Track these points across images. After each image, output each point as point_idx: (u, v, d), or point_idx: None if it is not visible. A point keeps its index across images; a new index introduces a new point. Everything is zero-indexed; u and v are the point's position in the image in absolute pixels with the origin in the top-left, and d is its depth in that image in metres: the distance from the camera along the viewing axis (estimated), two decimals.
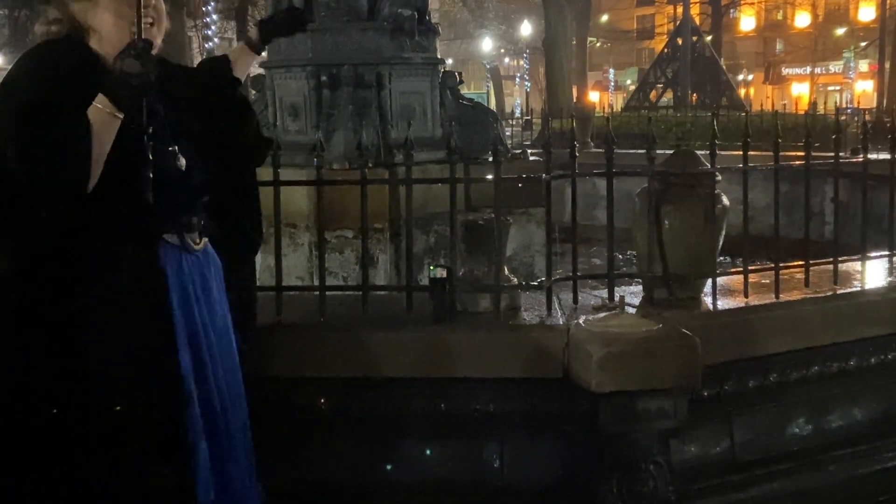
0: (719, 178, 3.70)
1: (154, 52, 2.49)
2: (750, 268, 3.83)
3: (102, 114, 2.37)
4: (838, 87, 44.65)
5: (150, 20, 2.51)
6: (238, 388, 2.73)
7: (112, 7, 2.52)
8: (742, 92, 36.69)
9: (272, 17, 3.25)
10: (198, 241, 2.64)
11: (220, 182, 2.71)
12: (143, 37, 2.43)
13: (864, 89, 39.62)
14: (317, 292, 3.59)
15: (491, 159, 3.65)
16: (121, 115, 2.39)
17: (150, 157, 2.47)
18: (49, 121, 2.34)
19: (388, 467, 3.39)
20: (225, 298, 2.75)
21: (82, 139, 2.34)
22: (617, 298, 3.56)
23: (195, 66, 3.17)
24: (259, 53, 3.10)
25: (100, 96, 2.38)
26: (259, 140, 3.03)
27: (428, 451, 3.41)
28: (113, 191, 2.41)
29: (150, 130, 2.49)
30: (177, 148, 2.58)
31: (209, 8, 28.59)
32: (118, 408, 2.40)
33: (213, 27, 28.90)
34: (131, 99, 2.39)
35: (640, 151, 3.99)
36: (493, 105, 33.27)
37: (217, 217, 2.72)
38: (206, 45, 29.18)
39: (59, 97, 2.38)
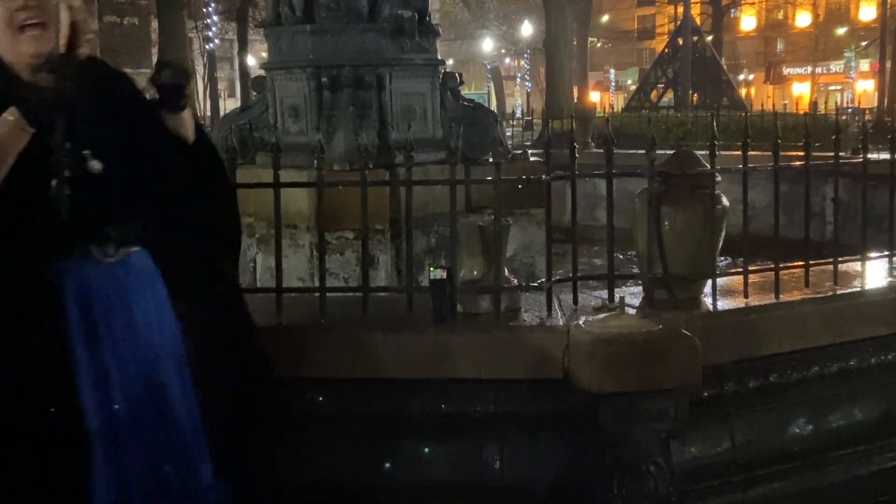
0: (719, 178, 3.71)
1: (85, 52, 2.46)
2: (750, 268, 3.84)
3: (10, 126, 2.35)
4: (839, 87, 44.65)
5: (34, 20, 2.43)
6: (167, 392, 2.67)
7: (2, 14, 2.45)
8: (743, 92, 36.70)
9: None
10: (111, 252, 2.59)
11: (155, 188, 2.66)
12: (59, 50, 2.40)
13: (865, 89, 39.61)
14: (317, 293, 3.60)
15: (491, 160, 3.66)
16: (31, 131, 2.37)
17: (64, 175, 2.44)
18: None
19: (389, 468, 3.40)
20: (162, 306, 2.69)
21: None
22: (617, 299, 3.56)
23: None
24: None
25: (12, 108, 2.36)
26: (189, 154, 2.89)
27: (428, 452, 3.41)
28: (14, 203, 2.38)
29: (67, 146, 2.46)
30: (88, 158, 2.52)
31: (210, 9, 28.60)
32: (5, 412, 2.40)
33: (213, 28, 28.91)
34: (43, 114, 2.36)
35: (640, 152, 3.99)
36: (493, 106, 33.31)
37: (157, 225, 2.68)
38: (207, 46, 29.20)
39: None
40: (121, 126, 2.62)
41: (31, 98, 2.37)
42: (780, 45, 51.03)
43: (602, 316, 3.34)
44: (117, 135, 2.59)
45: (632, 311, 3.48)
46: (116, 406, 2.56)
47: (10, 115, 2.36)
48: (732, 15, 44.72)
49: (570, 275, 3.73)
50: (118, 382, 2.57)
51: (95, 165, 2.53)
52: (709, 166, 3.71)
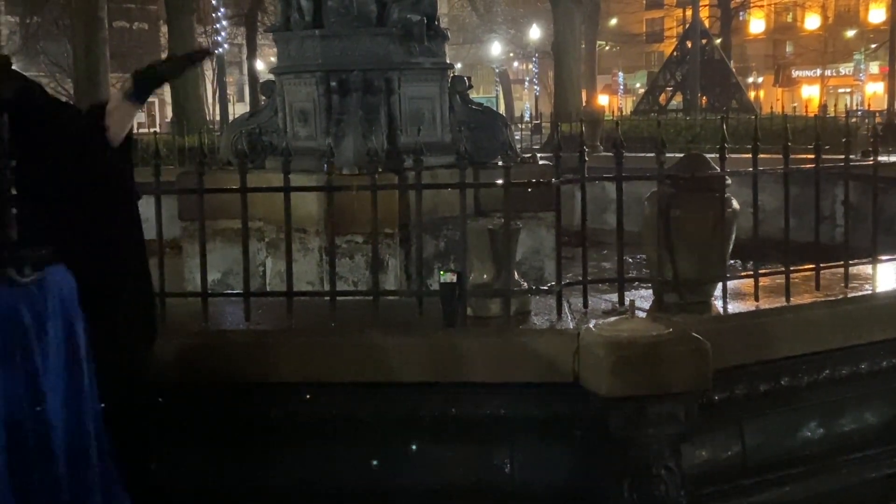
0: (729, 181, 3.70)
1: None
2: (760, 271, 3.83)
3: None
4: (849, 90, 44.52)
5: None
6: (79, 414, 2.67)
7: None
8: (752, 95, 36.62)
9: (149, 66, 3.02)
10: (28, 273, 2.57)
11: (76, 210, 2.67)
12: None
13: (875, 91, 39.50)
14: (327, 297, 3.60)
15: (500, 164, 3.66)
16: None
17: (12, 190, 2.45)
18: None
19: (399, 472, 3.40)
20: (76, 325, 2.67)
21: None
22: (627, 302, 3.56)
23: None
24: (136, 103, 2.91)
25: None
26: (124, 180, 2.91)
27: (439, 456, 3.41)
28: None
29: (11, 163, 2.46)
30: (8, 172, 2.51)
31: (219, 14, 28.68)
32: None
33: (222, 33, 28.98)
34: None
35: (649, 155, 3.99)
36: (502, 109, 33.30)
37: (74, 240, 2.68)
38: (216, 51, 29.25)
39: None
40: (38, 140, 2.60)
41: None
42: (789, 48, 50.90)
43: (612, 319, 3.34)
44: (34, 151, 2.58)
45: (642, 315, 3.48)
46: (25, 423, 2.55)
47: None
48: (741, 18, 44.65)
49: (580, 278, 3.73)
50: (28, 402, 2.56)
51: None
52: (718, 169, 3.71)
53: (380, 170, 4.06)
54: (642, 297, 3.79)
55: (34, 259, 2.58)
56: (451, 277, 3.40)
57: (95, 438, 2.70)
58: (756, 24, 51.39)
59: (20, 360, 2.55)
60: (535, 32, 38.61)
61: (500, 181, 3.58)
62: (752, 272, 3.84)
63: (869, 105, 26.54)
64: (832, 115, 12.84)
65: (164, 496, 2.91)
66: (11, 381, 2.53)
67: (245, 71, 34.76)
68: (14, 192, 2.53)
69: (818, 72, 46.92)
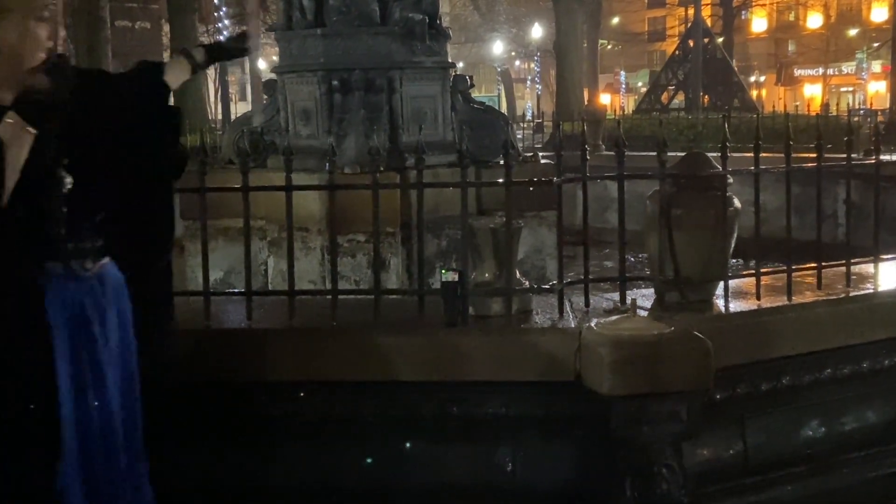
0: (731, 180, 3.70)
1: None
2: (762, 270, 3.83)
3: (14, 129, 2.36)
4: (851, 89, 44.47)
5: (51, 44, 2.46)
6: (131, 405, 2.73)
7: (17, 29, 2.45)
8: (754, 93, 36.58)
9: (220, 44, 3.23)
10: (90, 265, 2.62)
11: (127, 193, 2.69)
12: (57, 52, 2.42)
13: (877, 90, 39.45)
14: (329, 296, 3.61)
15: (502, 163, 3.66)
16: (33, 131, 2.38)
17: (62, 190, 2.50)
18: None
19: (400, 471, 3.40)
20: (126, 317, 2.72)
21: None
22: (629, 301, 3.56)
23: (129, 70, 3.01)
24: (195, 73, 3.01)
25: (11, 112, 2.37)
26: (175, 149, 2.94)
27: (440, 455, 3.41)
28: (7, 212, 2.40)
29: (65, 161, 2.49)
30: (63, 170, 2.54)
31: (221, 13, 28.69)
32: None
33: (225, 32, 28.98)
34: (36, 117, 2.37)
35: (651, 154, 3.99)
36: (504, 108, 33.30)
37: (122, 229, 2.70)
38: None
39: None
40: (90, 129, 2.62)
41: (26, 101, 2.37)
42: (791, 47, 50.86)
43: (614, 318, 3.34)
44: (88, 142, 2.60)
45: (643, 314, 3.48)
46: (91, 413, 2.60)
47: (10, 118, 2.36)
48: (743, 16, 44.60)
49: (582, 277, 3.73)
50: (93, 391, 2.61)
51: (67, 181, 2.55)
52: (720, 168, 3.71)
53: (381, 169, 4.06)
54: (644, 296, 3.79)
55: (94, 251, 2.62)
56: (452, 276, 3.40)
57: (137, 430, 2.76)
58: (758, 23, 51.32)
59: (86, 353, 2.59)
60: (536, 31, 38.62)
61: (501, 180, 3.58)
62: (753, 271, 3.84)
63: (871, 104, 26.49)
64: (834, 113, 12.84)
65: (164, 495, 2.91)
66: (79, 374, 2.58)
67: (247, 70, 34.82)
68: (69, 188, 2.54)
69: (820, 70, 46.87)
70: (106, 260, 2.68)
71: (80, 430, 2.59)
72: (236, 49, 3.18)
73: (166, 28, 25.89)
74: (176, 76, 2.91)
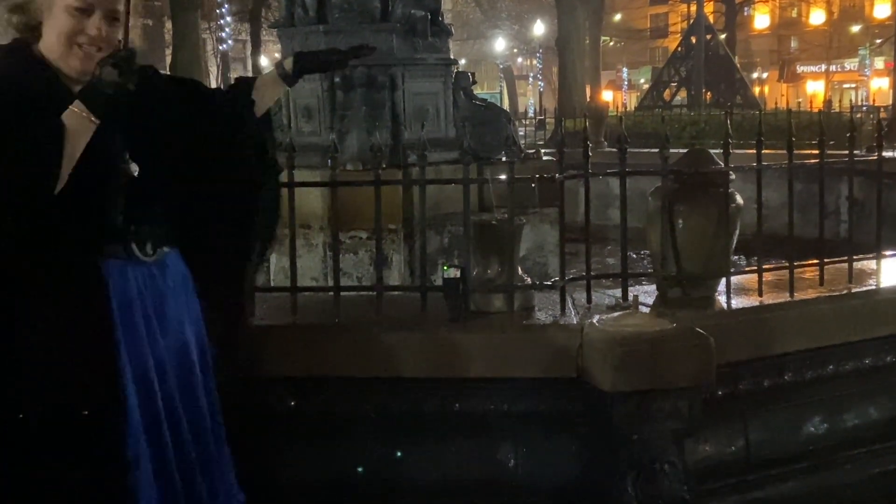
0: (733, 176, 3.70)
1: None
2: (764, 266, 3.83)
3: (79, 118, 2.39)
4: (854, 85, 44.45)
5: (93, 48, 2.49)
6: (197, 401, 2.72)
7: (58, 23, 2.49)
8: (756, 90, 36.56)
9: (313, 53, 3.12)
10: (150, 251, 2.62)
11: (200, 194, 2.71)
12: (126, 45, 2.45)
13: (880, 87, 39.44)
14: (331, 293, 3.61)
15: (504, 159, 3.65)
16: (97, 121, 2.40)
17: (122, 182, 2.53)
18: (21, 122, 2.35)
19: (403, 467, 3.40)
20: (192, 309, 2.73)
21: (56, 140, 2.35)
22: (631, 298, 3.56)
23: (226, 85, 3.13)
24: (291, 85, 3.03)
25: (77, 101, 2.40)
26: (260, 163, 2.96)
27: (442, 451, 3.41)
28: (63, 199, 2.41)
29: (126, 155, 2.53)
30: (128, 155, 2.57)
31: (223, 10, 28.70)
32: (53, 413, 2.43)
33: (227, 29, 29.01)
34: (100, 109, 2.40)
35: (653, 151, 3.99)
36: (506, 105, 33.28)
37: (193, 229, 2.72)
38: (221, 47, 29.31)
39: (27, 101, 2.40)
40: (162, 125, 2.66)
41: (92, 92, 2.40)
42: (793, 44, 50.81)
43: (616, 315, 3.34)
44: (157, 135, 2.63)
45: (646, 310, 3.48)
46: (157, 404, 2.59)
47: (76, 107, 2.39)
48: (746, 13, 44.50)
49: (584, 274, 3.73)
50: (156, 381, 2.60)
51: (133, 168, 2.58)
52: (722, 165, 3.71)
53: (384, 165, 4.06)
54: (646, 293, 3.80)
55: (155, 237, 2.62)
56: (454, 273, 3.40)
57: (213, 423, 2.75)
58: (761, 20, 51.27)
59: (146, 339, 2.58)
60: (539, 28, 38.62)
61: (503, 176, 3.59)
62: (755, 267, 3.84)
63: (874, 100, 26.50)
64: (837, 110, 12.84)
65: None
66: (138, 359, 2.56)
67: (249, 67, 34.77)
68: (132, 177, 2.57)
69: (823, 67, 46.82)
70: (168, 249, 2.68)
71: (146, 420, 2.56)
72: (327, 63, 3.10)
73: (169, 25, 25.90)
74: (263, 93, 2.94)
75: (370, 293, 3.65)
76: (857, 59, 44.57)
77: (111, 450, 2.50)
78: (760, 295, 3.77)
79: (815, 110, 12.78)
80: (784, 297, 3.77)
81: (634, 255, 5.10)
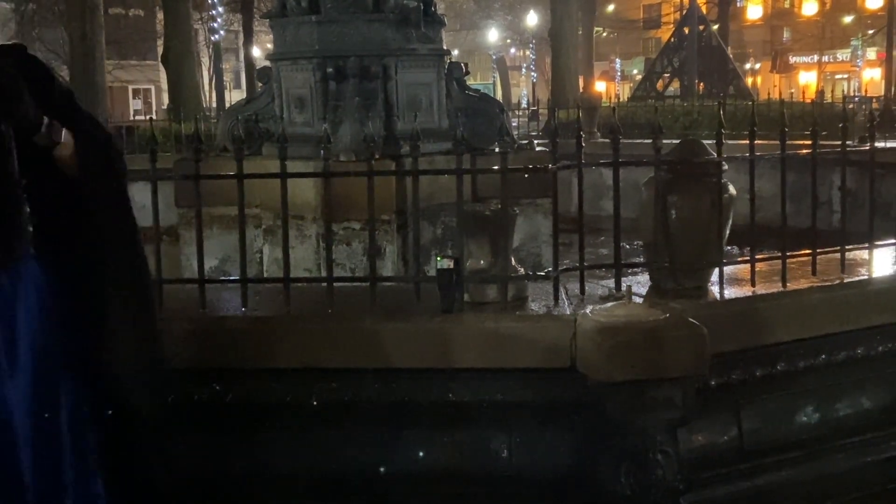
0: (726, 167, 3.70)
1: None
2: (757, 257, 3.83)
3: None
4: (846, 76, 44.54)
5: None
6: (53, 421, 2.61)
7: None
8: (749, 81, 36.58)
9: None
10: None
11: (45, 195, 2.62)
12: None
13: (872, 77, 39.46)
14: (324, 284, 3.61)
15: (497, 150, 3.65)
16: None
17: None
18: None
19: (397, 458, 3.41)
20: (45, 316, 2.60)
21: None
22: (624, 288, 3.56)
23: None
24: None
25: None
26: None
27: (436, 442, 3.42)
28: None
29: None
30: None
31: (215, 0, 28.60)
32: None
33: (218, 20, 28.89)
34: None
35: (646, 141, 3.99)
36: (499, 96, 33.29)
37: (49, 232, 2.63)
38: (213, 38, 29.20)
39: None
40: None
41: None
42: (786, 34, 50.85)
43: (609, 305, 3.34)
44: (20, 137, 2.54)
45: (639, 300, 3.48)
46: (11, 412, 2.49)
47: None
48: (739, 4, 44.57)
49: (577, 264, 3.73)
50: (13, 389, 2.51)
51: None
52: (715, 155, 3.71)
53: (377, 156, 4.05)
54: (639, 283, 3.80)
55: (7, 246, 2.51)
56: (448, 263, 3.40)
57: (73, 447, 2.63)
58: (753, 10, 51.30)
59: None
60: (532, 19, 38.54)
61: (496, 167, 3.58)
62: (748, 257, 3.85)
63: (866, 91, 26.50)
64: (829, 101, 12.84)
65: (159, 485, 2.90)
66: None
67: (241, 57, 34.65)
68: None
69: (815, 58, 46.88)
70: (29, 264, 2.57)
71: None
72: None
73: (160, 16, 25.78)
74: None
75: (363, 284, 3.64)
76: (849, 50, 44.65)
77: None
78: (753, 285, 3.78)
79: (808, 101, 12.78)
80: (777, 287, 3.78)
81: (628, 246, 5.10)
